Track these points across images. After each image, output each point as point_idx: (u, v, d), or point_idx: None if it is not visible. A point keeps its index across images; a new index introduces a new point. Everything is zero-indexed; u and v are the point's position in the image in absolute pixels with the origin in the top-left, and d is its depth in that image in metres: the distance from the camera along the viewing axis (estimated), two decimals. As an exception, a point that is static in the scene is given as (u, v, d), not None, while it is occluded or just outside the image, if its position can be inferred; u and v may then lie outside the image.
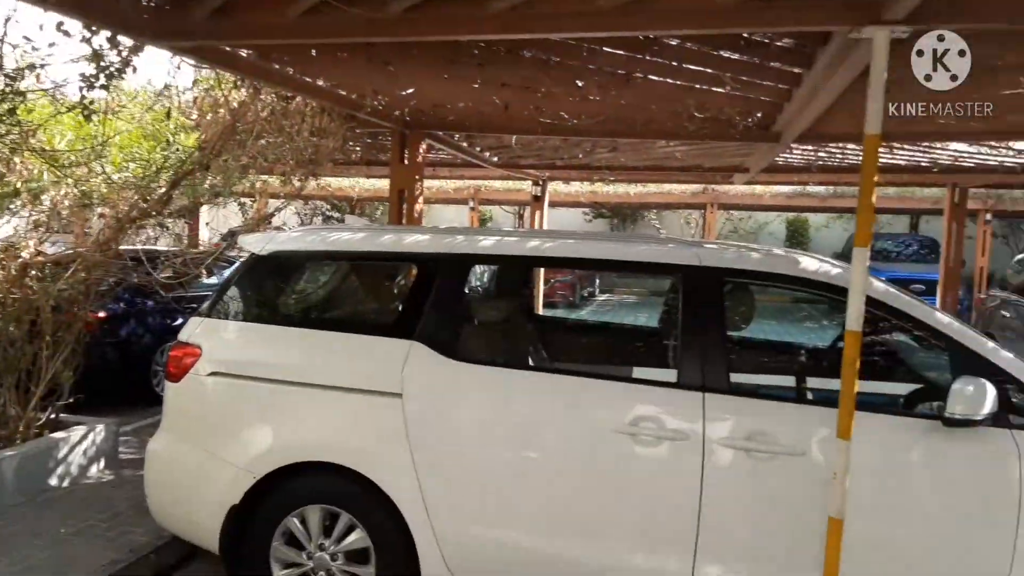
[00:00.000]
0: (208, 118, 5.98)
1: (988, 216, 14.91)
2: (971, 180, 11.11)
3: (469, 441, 3.29)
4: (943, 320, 3.15)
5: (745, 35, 4.07)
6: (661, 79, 5.05)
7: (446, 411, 3.31)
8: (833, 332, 4.44)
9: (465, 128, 7.07)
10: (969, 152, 8.33)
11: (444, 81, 5.23)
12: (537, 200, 13.19)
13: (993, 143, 7.62)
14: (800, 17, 3.30)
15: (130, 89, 6.80)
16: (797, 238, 22.92)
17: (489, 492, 3.24)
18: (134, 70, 4.35)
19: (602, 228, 23.16)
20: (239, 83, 5.79)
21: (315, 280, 4.48)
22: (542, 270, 11.97)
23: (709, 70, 4.75)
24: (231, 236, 7.67)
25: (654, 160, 9.80)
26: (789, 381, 4.36)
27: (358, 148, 9.12)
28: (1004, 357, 3.02)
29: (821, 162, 9.49)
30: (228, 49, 4.56)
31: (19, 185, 5.20)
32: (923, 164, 9.34)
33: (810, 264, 3.40)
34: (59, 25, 3.78)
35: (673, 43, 4.31)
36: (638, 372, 4.04)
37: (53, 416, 5.27)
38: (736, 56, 4.44)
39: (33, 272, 5.08)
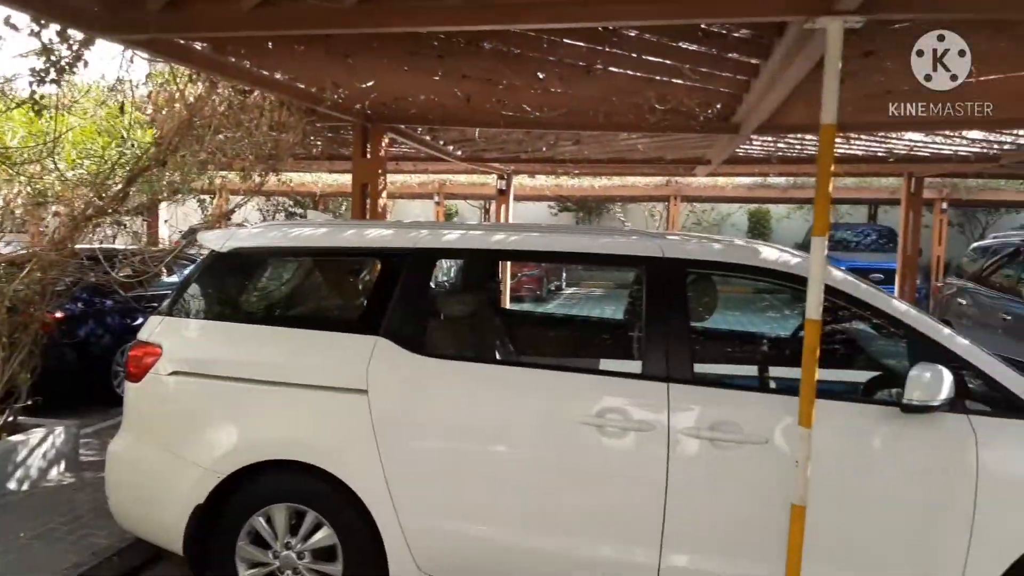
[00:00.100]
0: (164, 113, 5.86)
1: (944, 205, 15.23)
2: (926, 169, 11.33)
3: (436, 436, 3.28)
4: (900, 308, 3.21)
5: (703, 26, 4.09)
6: (621, 71, 5.07)
7: (412, 406, 3.30)
8: (794, 321, 4.50)
9: (427, 121, 7.03)
10: (924, 141, 8.49)
11: (405, 73, 5.20)
12: (502, 194, 13.17)
13: (947, 132, 7.77)
14: (755, 7, 3.33)
15: (82, 84, 6.66)
16: (759, 229, 23.21)
17: (456, 487, 3.24)
18: (85, 64, 4.25)
19: (568, 221, 23.22)
20: (194, 77, 5.68)
21: (278, 277, 4.43)
22: (508, 264, 11.99)
23: (668, 61, 4.77)
24: (191, 233, 7.55)
25: (617, 153, 9.84)
26: (752, 370, 4.42)
27: (319, 142, 9.02)
28: (960, 344, 3.09)
29: (781, 153, 9.62)
30: (182, 42, 4.47)
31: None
32: (880, 154, 9.50)
33: (770, 254, 3.44)
34: (7, 19, 3.68)
35: (632, 34, 4.32)
36: (604, 364, 4.07)
37: (11, 419, 5.16)
38: (695, 47, 4.47)
39: (-14, 272, 4.96)
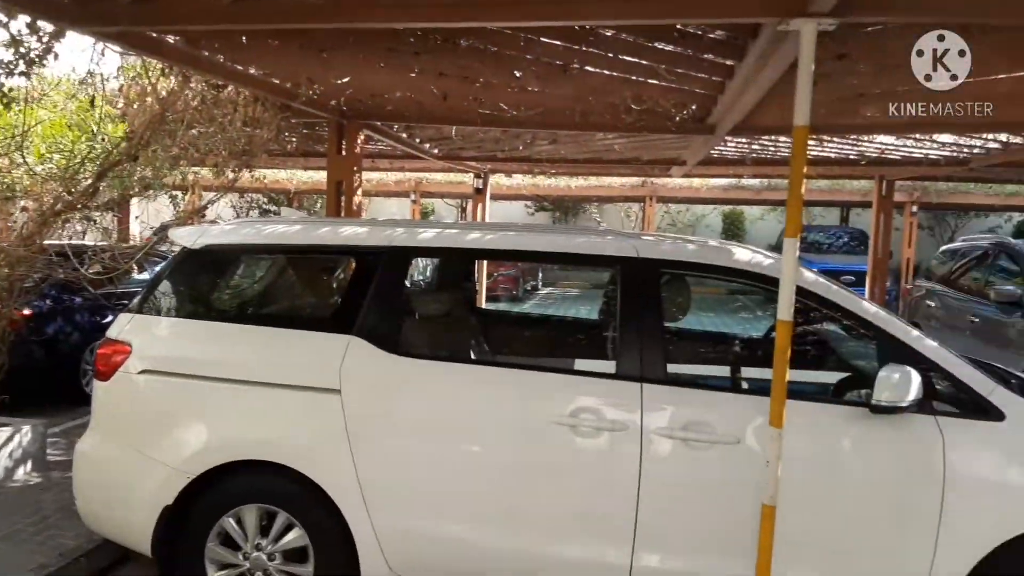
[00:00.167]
0: (135, 107, 5.78)
1: (914, 208, 15.46)
2: (897, 173, 11.48)
3: (409, 436, 3.26)
4: (870, 310, 3.24)
5: (678, 27, 4.11)
6: (598, 70, 5.08)
7: (386, 406, 3.29)
8: (767, 322, 4.54)
9: (404, 118, 7.00)
10: (895, 145, 8.61)
11: (381, 70, 5.17)
12: (479, 193, 13.17)
13: (918, 136, 7.88)
14: (730, 8, 3.35)
15: (52, 77, 6.55)
16: (733, 230, 23.39)
17: (430, 487, 3.22)
18: (55, 57, 4.18)
19: (544, 221, 23.25)
20: (167, 71, 5.61)
21: (251, 275, 4.39)
22: (484, 263, 11.98)
23: (644, 62, 4.79)
24: (163, 230, 7.46)
25: (593, 153, 9.87)
26: (725, 371, 4.45)
27: (294, 139, 8.96)
28: (928, 346, 3.13)
29: (755, 155, 9.71)
30: (154, 35, 4.41)
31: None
32: (851, 157, 9.62)
33: (743, 255, 3.46)
34: (-27, 10, 3.62)
35: (608, 34, 4.33)
36: (578, 364, 4.08)
37: (-24, 418, 5.06)
38: (670, 48, 4.49)
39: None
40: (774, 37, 3.49)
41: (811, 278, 3.27)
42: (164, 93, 5.73)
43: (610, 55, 4.75)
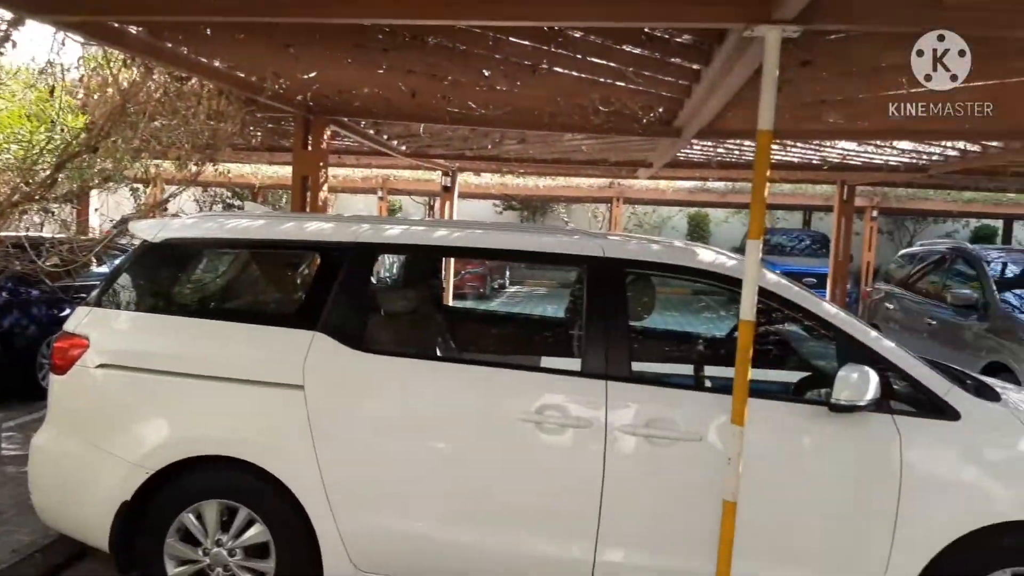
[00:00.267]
0: (96, 98, 5.67)
1: (874, 213, 15.75)
2: (858, 178, 11.70)
3: (373, 433, 3.25)
4: (830, 311, 3.30)
5: (646, 30, 4.15)
6: (566, 71, 5.10)
7: (350, 403, 3.27)
8: (730, 322, 4.60)
9: (371, 115, 6.96)
10: (856, 151, 8.77)
11: (348, 66, 5.13)
12: (447, 191, 13.13)
13: (878, 142, 8.04)
14: (696, 13, 3.39)
15: (10, 66, 6.39)
16: (698, 232, 23.66)
17: (394, 484, 3.22)
18: (14, 45, 4.10)
19: (512, 220, 23.28)
20: (129, 61, 5.51)
21: (213, 269, 4.33)
22: (451, 261, 11.96)
23: (612, 64, 4.82)
24: (123, 223, 7.33)
25: (562, 153, 9.91)
26: (688, 369, 4.50)
27: (259, 133, 8.85)
28: (886, 346, 3.20)
29: (720, 158, 9.82)
30: (116, 25, 4.34)
31: None
32: (814, 162, 9.78)
33: (707, 256, 3.51)
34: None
35: (577, 35, 4.36)
36: (544, 362, 4.09)
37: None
38: (638, 51, 4.52)
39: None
40: (740, 43, 3.54)
41: (773, 279, 3.32)
42: (126, 84, 5.63)
43: (578, 56, 4.77)
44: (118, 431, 3.32)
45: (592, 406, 3.10)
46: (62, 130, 5.75)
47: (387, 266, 6.04)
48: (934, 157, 8.99)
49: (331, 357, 3.26)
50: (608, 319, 3.27)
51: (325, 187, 7.04)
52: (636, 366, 3.30)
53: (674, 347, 4.93)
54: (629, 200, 18.15)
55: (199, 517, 3.28)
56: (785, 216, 23.00)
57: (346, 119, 7.26)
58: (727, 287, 3.33)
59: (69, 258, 5.91)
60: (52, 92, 5.59)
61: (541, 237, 3.81)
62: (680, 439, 3.06)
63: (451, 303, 11.80)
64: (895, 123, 6.23)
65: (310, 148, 6.83)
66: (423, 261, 4.76)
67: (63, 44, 5.06)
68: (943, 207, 16.86)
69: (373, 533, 3.21)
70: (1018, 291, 7.24)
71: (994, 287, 7.15)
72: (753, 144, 2.93)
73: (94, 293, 3.67)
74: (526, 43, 4.57)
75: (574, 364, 3.31)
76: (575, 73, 5.15)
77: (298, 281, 4.39)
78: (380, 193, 17.04)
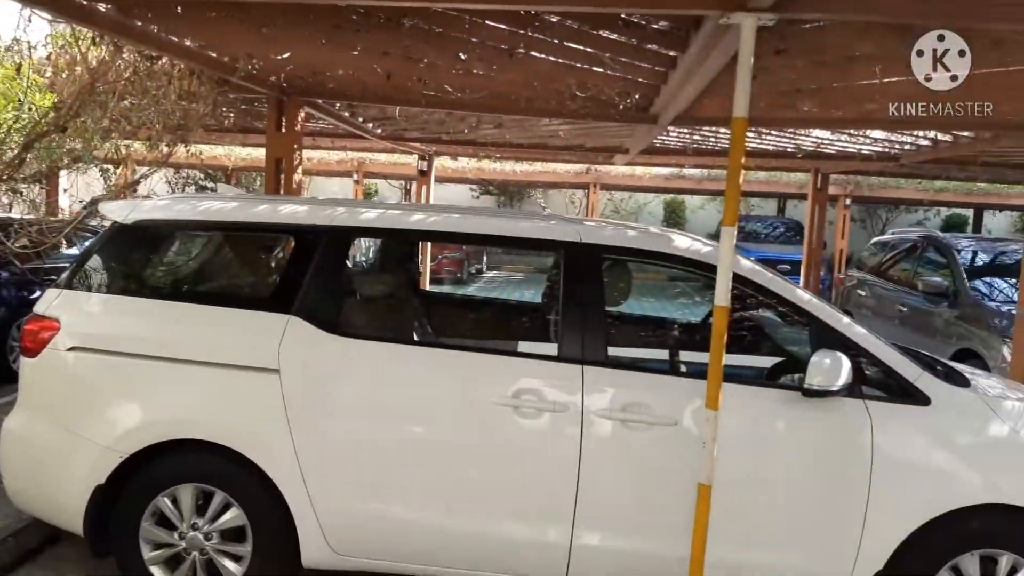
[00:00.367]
0: (64, 76, 5.56)
1: (848, 201, 15.92)
2: (832, 166, 11.81)
3: (350, 416, 3.25)
4: (804, 297, 3.34)
5: (623, 16, 4.14)
6: (543, 56, 5.08)
7: (326, 386, 3.26)
8: (705, 308, 4.64)
9: (346, 97, 6.89)
10: (830, 139, 8.84)
11: (323, 47, 5.06)
12: (423, 175, 13.06)
13: (852, 131, 8.11)
14: (672, -1, 3.39)
15: (-25, 42, 6.24)
16: (674, 218, 23.78)
17: (370, 467, 3.22)
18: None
19: (489, 205, 23.23)
20: (98, 39, 5.40)
21: (186, 251, 4.28)
22: (428, 245, 11.92)
23: (589, 49, 4.81)
24: (93, 204, 7.21)
25: (539, 138, 9.88)
26: (664, 354, 4.53)
27: (232, 114, 8.73)
28: (858, 332, 3.24)
29: (696, 145, 9.85)
30: (85, 2, 4.24)
31: None
32: (789, 150, 9.85)
33: (682, 242, 3.53)
34: None
35: (554, 20, 4.34)
36: (521, 346, 4.10)
37: None
38: (615, 36, 4.51)
39: None
40: (715, 30, 3.55)
41: (748, 266, 3.34)
42: (95, 63, 5.52)
43: (555, 41, 4.75)
44: (91, 414, 3.29)
45: (568, 391, 3.12)
46: (30, 109, 5.64)
47: (363, 250, 5.99)
48: (906, 147, 9.08)
49: (306, 341, 3.25)
50: (585, 304, 3.28)
51: (299, 170, 6.97)
52: (612, 351, 3.32)
53: (650, 332, 4.96)
54: (606, 186, 18.18)
55: (175, 501, 3.26)
56: (760, 203, 23.18)
57: (321, 101, 7.18)
58: (702, 273, 3.35)
59: (39, 239, 5.82)
60: (19, 70, 5.47)
61: (518, 222, 3.81)
62: (655, 423, 3.09)
63: (428, 288, 11.77)
64: (867, 112, 6.29)
65: (284, 130, 6.75)
66: (399, 245, 4.73)
67: (30, 21, 4.95)
68: (915, 196, 17.08)
69: (350, 516, 3.21)
70: (988, 279, 7.37)
71: (964, 275, 7.27)
72: (728, 131, 2.94)
73: (64, 275, 3.62)
74: (503, 27, 4.54)
75: (551, 349, 3.32)
76: (552, 58, 5.13)
77: (272, 264, 4.36)
78: (355, 176, 16.89)
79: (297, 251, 3.52)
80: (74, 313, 3.43)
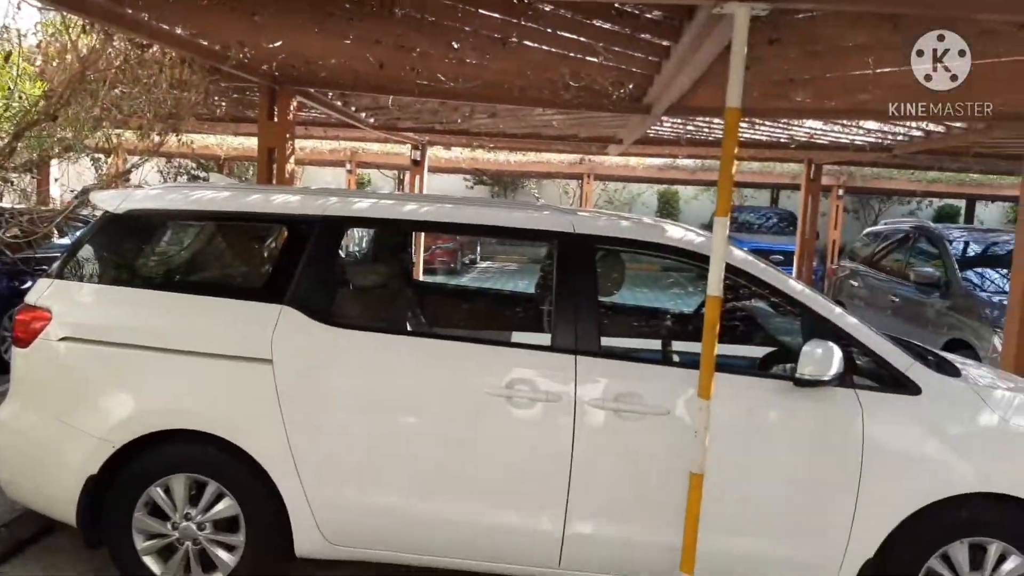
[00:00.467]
0: (55, 65, 5.51)
1: (840, 192, 15.95)
2: (825, 157, 11.82)
3: (343, 407, 3.25)
4: (796, 287, 3.35)
5: (616, 5, 4.13)
6: (536, 45, 5.07)
7: (319, 377, 3.26)
8: (698, 298, 4.64)
9: (339, 86, 6.87)
10: (823, 130, 8.85)
11: (315, 35, 5.04)
12: (417, 164, 13.03)
13: (845, 121, 8.11)
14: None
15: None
16: (668, 209, 23.78)
17: (364, 457, 3.22)
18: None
19: (483, 195, 23.20)
20: (88, 27, 5.36)
21: (178, 241, 4.27)
22: (421, 235, 11.89)
23: (583, 39, 4.80)
24: (84, 193, 7.18)
25: (532, 128, 9.87)
26: (656, 344, 4.54)
27: (223, 103, 8.69)
28: (850, 322, 3.25)
29: (689, 135, 9.85)
30: (76, -10, 4.22)
31: None
32: (782, 140, 9.86)
33: (676, 233, 3.53)
34: None
35: (547, 9, 4.32)
36: (514, 336, 4.11)
37: None
38: (608, 26, 4.50)
39: None
40: (709, 20, 3.54)
41: (740, 256, 3.35)
42: (85, 51, 5.48)
43: (549, 30, 4.74)
44: (83, 405, 3.28)
45: (561, 380, 3.13)
46: (20, 98, 5.60)
47: (357, 240, 5.98)
48: (899, 137, 9.10)
49: (299, 331, 3.24)
50: (578, 295, 3.28)
51: (292, 159, 6.95)
52: (605, 341, 3.32)
53: (643, 323, 4.97)
54: (600, 176, 18.16)
55: (167, 491, 3.25)
56: (753, 194, 23.20)
57: (313, 90, 7.15)
58: (695, 263, 3.35)
59: (30, 229, 5.79)
60: (8, 58, 5.43)
61: (512, 212, 3.80)
62: (648, 413, 3.09)
63: (421, 278, 11.76)
64: (860, 103, 6.30)
65: (276, 119, 6.73)
66: (392, 235, 4.73)
67: (19, 8, 4.93)
68: (907, 187, 17.12)
69: (343, 507, 3.21)
70: (979, 269, 7.40)
71: (956, 265, 7.30)
72: (722, 121, 2.94)
73: (56, 265, 3.60)
74: (495, 15, 4.52)
75: (544, 339, 3.33)
76: (545, 47, 5.12)
77: (265, 254, 4.35)
78: (348, 166, 16.84)
79: (290, 241, 3.51)
80: (66, 303, 3.41)
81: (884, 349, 3.19)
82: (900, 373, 3.13)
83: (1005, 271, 6.76)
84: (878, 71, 4.80)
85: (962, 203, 22.60)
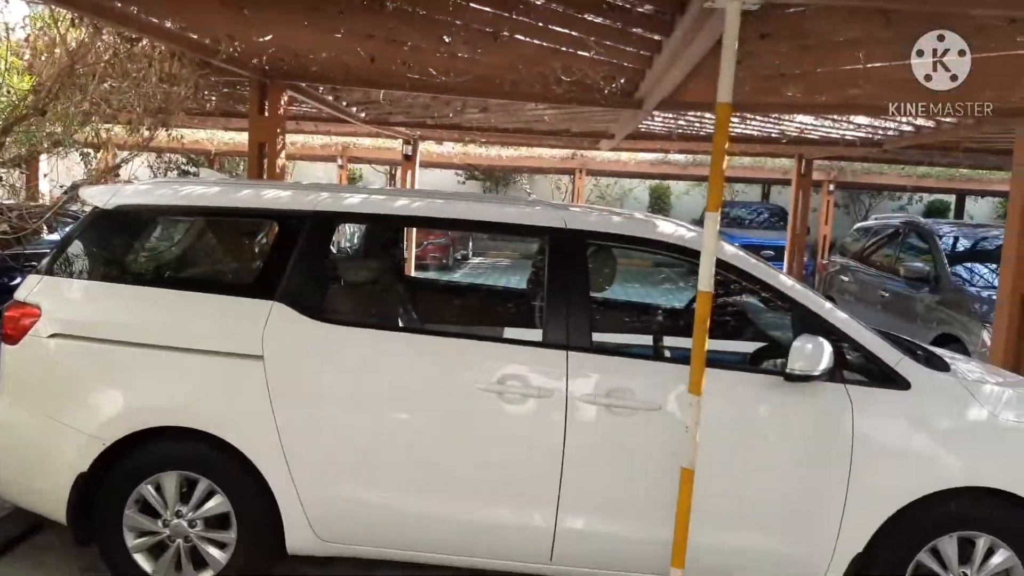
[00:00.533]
0: (43, 59, 5.47)
1: (831, 187, 16.00)
2: (816, 152, 11.86)
3: (334, 403, 3.24)
4: (786, 283, 3.36)
5: (608, -1, 4.13)
6: (528, 39, 5.05)
7: (310, 373, 3.25)
8: (689, 293, 4.65)
9: (330, 80, 6.83)
10: (814, 125, 8.86)
11: (304, 29, 5.01)
12: (408, 159, 13.00)
13: (835, 116, 8.13)
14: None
15: (-49, 24, 6.13)
16: (660, 204, 23.80)
17: (355, 454, 3.22)
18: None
19: (475, 190, 23.16)
20: (77, 21, 5.32)
21: (168, 237, 4.24)
22: (413, 231, 11.88)
23: (574, 33, 4.79)
24: (73, 189, 7.14)
25: (524, 123, 9.85)
26: (648, 340, 4.55)
27: (214, 97, 8.64)
28: (840, 317, 3.27)
29: (681, 130, 9.85)
30: (64, -17, 4.18)
31: None
32: (773, 135, 9.87)
33: (667, 228, 3.54)
34: None
35: (538, 2, 4.32)
36: (506, 332, 4.10)
37: None
38: (599, 20, 4.50)
39: None
40: (700, 14, 3.54)
41: (731, 251, 3.36)
42: (74, 45, 5.44)
43: (540, 24, 4.72)
44: (73, 402, 3.27)
45: (553, 376, 3.13)
46: (8, 92, 5.56)
47: (348, 236, 5.97)
48: (889, 132, 9.12)
49: (290, 327, 3.23)
50: (569, 290, 3.29)
51: (283, 154, 6.91)
52: (597, 337, 3.33)
53: (634, 318, 4.97)
54: (592, 172, 18.17)
55: (158, 488, 3.24)
56: (744, 189, 23.22)
57: (304, 84, 7.12)
58: (686, 259, 3.36)
59: (19, 225, 5.74)
60: (-5, 52, 5.38)
61: (503, 208, 3.80)
62: (639, 408, 3.10)
63: (413, 274, 11.74)
64: (851, 98, 6.31)
65: (267, 114, 6.69)
66: (384, 231, 4.72)
67: (7, 2, 4.89)
68: (897, 182, 17.17)
69: (335, 503, 3.21)
70: (968, 264, 7.44)
71: (945, 260, 7.33)
72: (713, 116, 2.93)
73: (45, 261, 3.58)
74: (487, 9, 4.51)
75: (536, 335, 3.33)
76: (536, 41, 5.11)
77: (256, 250, 4.33)
78: (340, 161, 16.78)
79: (280, 237, 3.50)
80: (55, 299, 3.40)
81: (874, 344, 3.20)
82: (890, 368, 3.14)
83: (995, 266, 6.80)
84: (868, 66, 4.81)
85: (952, 198, 22.70)
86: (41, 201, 7.57)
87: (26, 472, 3.37)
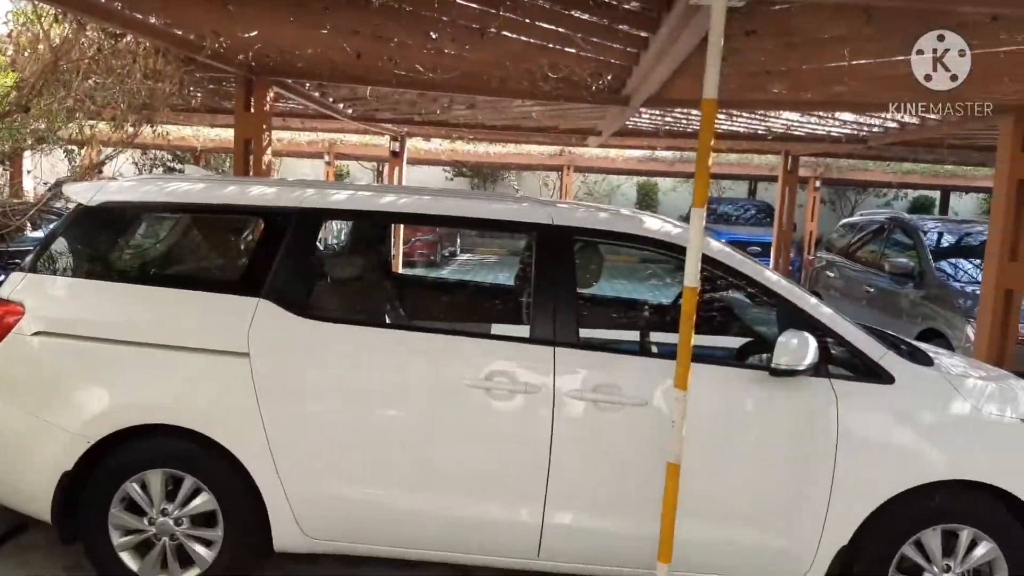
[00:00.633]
0: (26, 55, 5.43)
1: (817, 183, 16.08)
2: (802, 148, 11.91)
3: (321, 400, 3.23)
4: (772, 278, 3.38)
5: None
6: (515, 36, 5.05)
7: (296, 370, 3.24)
8: (676, 289, 4.67)
9: (316, 76, 6.80)
10: (800, 121, 8.91)
11: (290, 25, 4.99)
12: (396, 156, 12.97)
13: (821, 113, 8.17)
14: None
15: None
16: (647, 201, 23.86)
17: (342, 451, 3.21)
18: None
19: (463, 187, 23.14)
20: (60, 17, 5.28)
21: (153, 234, 4.22)
22: (401, 227, 11.85)
23: (561, 29, 4.79)
24: (57, 186, 7.08)
25: (512, 120, 9.84)
26: (634, 335, 4.56)
27: (199, 94, 8.59)
28: (825, 313, 3.29)
29: (668, 127, 9.88)
30: (47, -22, 4.14)
31: None
32: (759, 132, 9.91)
33: (653, 224, 3.55)
34: None
35: (525, -1, 4.32)
36: (493, 328, 4.11)
37: None
38: (586, 16, 4.50)
39: None
40: (686, 11, 3.55)
41: (717, 247, 3.37)
42: (57, 41, 5.40)
43: (527, 21, 4.72)
44: (58, 400, 3.24)
45: (540, 372, 3.13)
46: (-10, 88, 5.51)
47: (335, 232, 5.96)
48: (874, 129, 9.18)
49: (277, 324, 3.22)
50: (556, 286, 3.29)
51: (269, 151, 6.89)
52: (584, 332, 3.34)
53: (621, 314, 4.99)
54: (579, 168, 18.19)
55: (144, 486, 3.23)
56: (731, 186, 23.31)
57: (290, 80, 7.09)
58: (673, 255, 3.37)
59: (2, 222, 5.71)
60: (-22, 48, 5.34)
61: (491, 204, 3.80)
62: (626, 404, 3.11)
63: (400, 270, 11.72)
64: (836, 95, 6.34)
65: (253, 110, 6.66)
66: (370, 227, 4.71)
67: (-11, -2, 4.83)
68: (883, 178, 17.29)
69: (322, 500, 3.20)
70: (953, 260, 7.50)
71: (930, 256, 7.40)
72: (700, 113, 2.94)
73: (29, 258, 3.55)
74: (474, 5, 4.50)
75: (523, 331, 3.33)
76: (523, 38, 5.10)
77: (241, 247, 4.31)
78: (327, 158, 16.73)
79: (266, 233, 3.49)
80: (39, 297, 3.37)
81: (858, 339, 3.23)
82: (874, 362, 3.17)
83: (979, 261, 6.86)
84: (853, 63, 4.84)
85: (937, 194, 22.86)
86: (25, 198, 7.51)
87: (10, 471, 3.35)
